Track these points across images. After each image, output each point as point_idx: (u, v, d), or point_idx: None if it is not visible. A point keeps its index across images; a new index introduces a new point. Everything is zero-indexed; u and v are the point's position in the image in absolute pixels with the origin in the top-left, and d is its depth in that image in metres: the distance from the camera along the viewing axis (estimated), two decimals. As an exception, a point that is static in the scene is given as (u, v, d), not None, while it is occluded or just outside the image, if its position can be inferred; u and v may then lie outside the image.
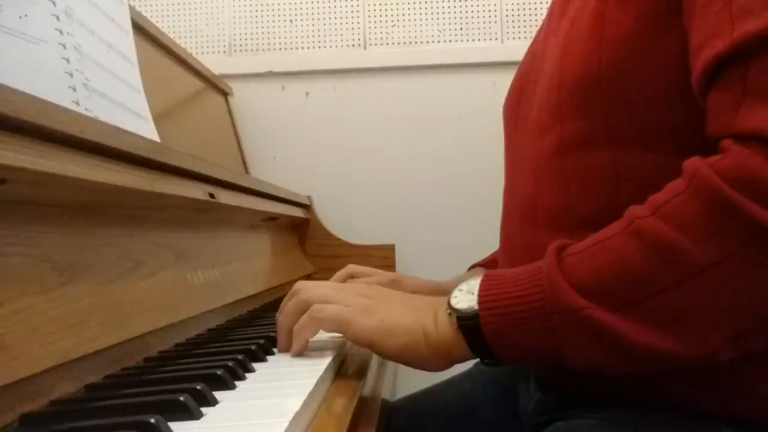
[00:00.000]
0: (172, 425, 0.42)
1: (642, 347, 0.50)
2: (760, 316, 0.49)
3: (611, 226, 0.53)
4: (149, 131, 0.89)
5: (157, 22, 1.47)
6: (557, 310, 0.51)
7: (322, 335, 0.66)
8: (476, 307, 0.55)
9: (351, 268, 0.89)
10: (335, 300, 0.62)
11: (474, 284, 0.57)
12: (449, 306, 0.57)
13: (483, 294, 0.55)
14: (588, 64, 0.61)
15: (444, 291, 0.85)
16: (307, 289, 0.65)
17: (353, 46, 1.79)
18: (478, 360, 0.58)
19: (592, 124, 0.61)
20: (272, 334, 0.71)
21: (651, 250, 0.49)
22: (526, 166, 0.70)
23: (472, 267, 0.97)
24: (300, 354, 0.64)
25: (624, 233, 0.51)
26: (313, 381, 0.52)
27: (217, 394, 0.49)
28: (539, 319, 0.52)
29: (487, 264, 0.96)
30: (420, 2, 1.78)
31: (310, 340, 0.65)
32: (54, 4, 0.73)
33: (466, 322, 0.56)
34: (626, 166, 0.59)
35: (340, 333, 0.61)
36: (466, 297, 0.56)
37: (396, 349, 0.58)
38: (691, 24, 0.54)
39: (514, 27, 1.74)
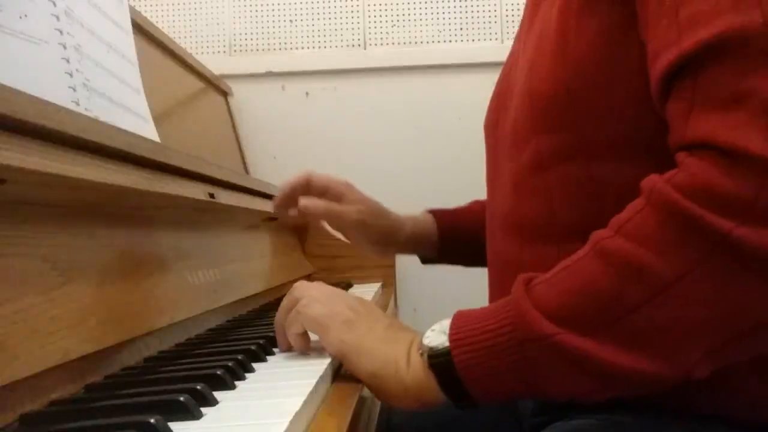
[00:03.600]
0: (172, 425, 0.42)
1: (617, 369, 0.49)
2: (732, 329, 0.48)
3: (578, 252, 0.53)
4: (149, 131, 0.89)
5: (157, 22, 1.47)
6: (529, 338, 0.51)
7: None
8: (447, 344, 0.54)
9: (308, 172, 0.90)
10: (323, 303, 0.62)
11: (446, 323, 0.56)
12: (421, 345, 0.56)
13: (454, 331, 0.54)
14: (555, 80, 0.61)
15: (385, 217, 0.90)
16: (301, 287, 0.65)
17: (353, 46, 1.79)
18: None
19: (566, 138, 0.62)
20: (272, 334, 0.71)
21: (616, 270, 0.49)
22: (507, 179, 0.70)
23: (429, 211, 0.97)
24: (303, 351, 0.64)
25: (589, 256, 0.51)
26: (313, 381, 0.52)
27: (217, 394, 0.49)
28: (512, 350, 0.51)
29: (444, 212, 0.96)
30: (420, 2, 1.78)
31: (310, 340, 0.65)
32: (54, 4, 0.73)
33: (437, 359, 0.54)
34: (604, 176, 0.60)
35: (317, 335, 0.61)
36: (438, 336, 0.55)
37: (366, 373, 0.57)
38: (646, 36, 0.54)
39: (514, 27, 1.74)
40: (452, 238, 0.96)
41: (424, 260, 1.00)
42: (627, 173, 0.58)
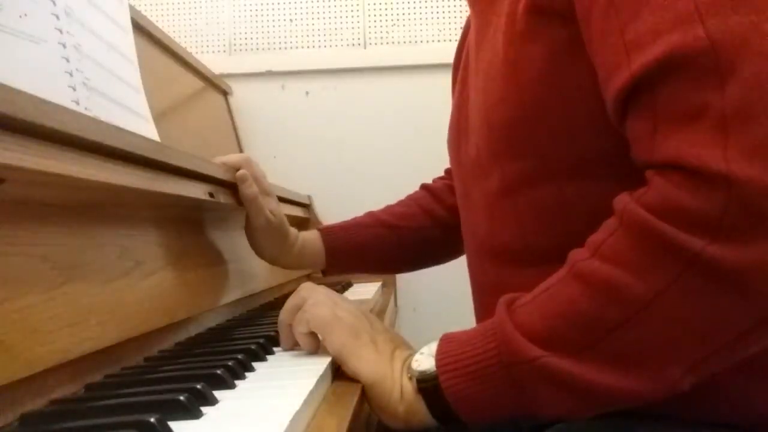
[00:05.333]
0: (172, 425, 0.42)
1: (602, 388, 0.49)
2: (711, 344, 0.48)
3: (556, 273, 0.53)
4: (149, 131, 0.89)
5: (157, 22, 1.47)
6: (514, 362, 0.51)
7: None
8: (435, 369, 0.55)
9: (248, 156, 0.94)
10: (330, 306, 0.62)
11: (434, 346, 0.56)
12: (410, 369, 0.57)
13: (441, 356, 0.55)
14: (509, 109, 0.62)
15: (284, 238, 0.96)
16: (308, 288, 0.66)
17: (353, 45, 1.79)
18: None
19: (529, 163, 0.62)
20: (272, 334, 0.71)
21: (594, 291, 0.50)
22: (477, 204, 0.71)
23: (318, 229, 1.02)
24: (311, 350, 0.64)
25: (567, 277, 0.52)
26: (313, 381, 0.52)
27: (217, 394, 0.49)
28: (498, 374, 0.52)
29: (331, 229, 1.01)
30: (420, 2, 1.78)
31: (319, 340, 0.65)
32: (54, 3, 0.73)
33: (426, 384, 0.55)
34: (571, 197, 0.60)
35: (321, 336, 0.61)
36: (426, 359, 0.56)
37: (363, 381, 0.57)
38: (594, 59, 0.55)
39: (514, 26, 1.74)
40: (338, 254, 1.00)
41: (322, 272, 1.05)
42: (594, 192, 0.58)
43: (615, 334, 0.49)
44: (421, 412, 0.56)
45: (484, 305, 0.73)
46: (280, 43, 1.80)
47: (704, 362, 0.49)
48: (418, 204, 1.04)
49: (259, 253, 0.97)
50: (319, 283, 0.69)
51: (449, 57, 1.86)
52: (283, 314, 0.66)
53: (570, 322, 0.50)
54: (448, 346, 0.55)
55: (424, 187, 1.08)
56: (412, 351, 0.60)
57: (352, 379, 0.59)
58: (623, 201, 0.50)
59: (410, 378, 0.56)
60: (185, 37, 1.78)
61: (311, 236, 1.01)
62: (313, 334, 0.64)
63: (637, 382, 0.49)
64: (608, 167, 0.58)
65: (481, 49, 0.69)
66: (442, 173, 1.11)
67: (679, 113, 0.47)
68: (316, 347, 0.64)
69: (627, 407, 0.52)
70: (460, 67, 0.83)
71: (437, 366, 0.54)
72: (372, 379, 0.57)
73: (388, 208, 1.05)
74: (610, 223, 0.51)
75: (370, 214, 1.04)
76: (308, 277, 1.53)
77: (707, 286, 0.46)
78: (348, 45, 1.79)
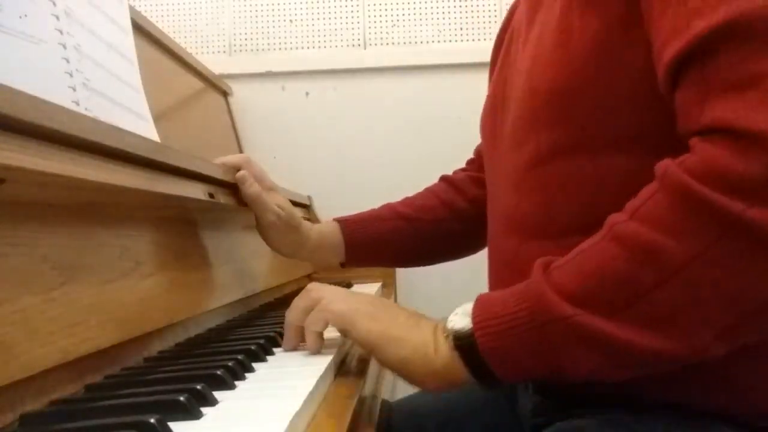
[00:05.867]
0: (172, 425, 0.42)
1: (634, 349, 0.50)
2: (745, 309, 0.49)
3: (593, 236, 0.54)
4: (149, 131, 0.89)
5: (157, 22, 1.47)
6: (548, 320, 0.52)
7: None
8: (471, 326, 0.55)
9: (247, 156, 0.93)
10: (343, 300, 0.63)
11: (468, 307, 0.57)
12: (445, 328, 0.58)
13: (477, 314, 0.56)
14: (556, 75, 0.62)
15: (295, 230, 0.93)
16: (318, 288, 0.66)
17: (353, 46, 1.80)
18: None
19: (566, 133, 0.62)
20: (272, 334, 0.71)
21: (631, 253, 0.50)
22: (507, 179, 0.71)
23: (336, 219, 1.00)
24: (316, 351, 0.64)
25: (605, 240, 0.52)
26: (313, 381, 0.52)
27: (217, 394, 0.49)
28: (533, 333, 0.53)
29: (349, 220, 0.99)
30: (420, 2, 1.78)
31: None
32: (54, 4, 0.73)
33: (462, 342, 0.56)
34: (604, 171, 0.61)
35: (344, 331, 0.62)
36: (462, 319, 0.57)
37: (396, 360, 0.58)
38: (651, 28, 0.55)
39: (514, 27, 1.74)
40: (358, 246, 0.98)
41: (341, 264, 1.02)
42: (626, 169, 0.59)
43: (649, 296, 0.49)
44: (460, 368, 0.56)
45: (500, 280, 0.73)
46: (280, 43, 1.80)
47: (736, 328, 0.50)
48: (437, 196, 1.02)
49: (277, 249, 0.95)
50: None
51: (449, 58, 1.87)
52: (293, 315, 0.66)
53: (605, 282, 0.51)
54: (484, 305, 0.56)
55: (444, 178, 1.05)
56: (434, 320, 0.61)
57: (352, 379, 0.59)
58: (664, 165, 0.51)
59: (446, 337, 0.57)
60: (185, 37, 1.78)
61: (329, 228, 0.99)
62: (321, 335, 0.64)
63: (668, 344, 0.50)
64: (644, 145, 0.58)
65: (533, 23, 0.69)
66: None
67: (733, 81, 0.48)
68: (321, 347, 0.65)
69: (656, 370, 0.52)
70: (501, 48, 0.83)
71: (474, 324, 0.55)
72: (403, 356, 0.58)
73: (407, 200, 1.03)
74: (650, 187, 0.52)
75: (388, 206, 1.02)
76: (309, 278, 1.53)
77: (745, 249, 0.47)
78: (348, 45, 1.79)
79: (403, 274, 1.68)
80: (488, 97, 0.83)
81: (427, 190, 1.05)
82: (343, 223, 0.99)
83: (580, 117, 0.61)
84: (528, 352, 0.53)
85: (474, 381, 0.57)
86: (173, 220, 0.81)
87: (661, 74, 0.54)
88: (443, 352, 0.57)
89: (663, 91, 0.54)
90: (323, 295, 0.64)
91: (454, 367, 0.56)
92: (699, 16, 0.50)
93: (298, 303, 0.66)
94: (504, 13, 1.75)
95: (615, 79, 0.59)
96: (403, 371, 0.58)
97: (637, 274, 0.50)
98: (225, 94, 1.71)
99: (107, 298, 0.60)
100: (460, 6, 1.77)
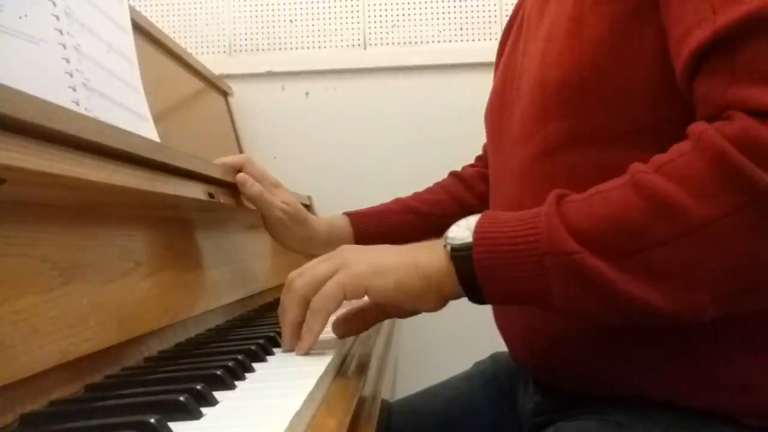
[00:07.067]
0: (172, 425, 0.42)
1: (628, 297, 0.50)
2: (746, 279, 0.49)
3: (613, 180, 0.54)
4: (149, 131, 0.89)
5: (157, 22, 1.47)
6: (550, 252, 0.52)
7: (322, 335, 0.66)
8: (470, 240, 0.55)
9: (248, 157, 0.93)
10: (326, 274, 0.61)
11: (472, 220, 0.57)
12: (445, 238, 0.57)
13: (479, 230, 0.56)
14: (568, 66, 0.62)
15: (303, 224, 0.92)
16: (298, 277, 0.64)
17: (353, 46, 1.79)
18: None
19: (576, 124, 0.62)
20: (272, 334, 0.71)
21: (649, 204, 0.50)
22: (511, 172, 0.70)
23: (346, 213, 1.01)
24: (308, 350, 0.64)
25: (625, 186, 0.52)
26: (313, 381, 0.52)
27: (217, 394, 0.49)
28: (531, 260, 0.52)
29: (360, 214, 1.00)
30: (420, 2, 1.78)
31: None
32: (54, 4, 0.73)
33: (459, 253, 0.56)
34: (611, 163, 0.60)
35: (347, 299, 0.61)
36: (462, 231, 0.56)
37: (390, 288, 0.58)
38: (670, 17, 0.55)
39: (514, 27, 1.74)
40: (368, 238, 0.98)
41: None
42: (633, 160, 0.59)
43: (656, 250, 0.49)
44: (452, 280, 0.56)
45: None
46: (280, 43, 1.80)
47: (733, 297, 0.50)
48: (446, 191, 1.03)
49: (286, 245, 0.95)
50: None
51: (449, 58, 1.87)
52: (285, 313, 0.65)
53: (616, 227, 0.51)
54: (489, 222, 0.56)
55: (453, 174, 1.07)
56: (427, 241, 0.61)
57: (352, 379, 0.59)
58: (701, 127, 0.51)
59: (444, 246, 0.57)
60: (185, 37, 1.78)
61: (339, 222, 0.99)
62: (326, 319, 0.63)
63: (664, 299, 0.50)
64: (653, 139, 0.58)
65: (544, 14, 0.69)
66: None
67: (760, 70, 0.48)
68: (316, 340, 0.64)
69: (642, 323, 0.53)
70: (507, 41, 0.83)
71: (474, 237, 0.55)
72: (394, 280, 0.57)
73: (417, 195, 1.04)
74: (682, 145, 0.51)
75: (398, 201, 1.03)
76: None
77: (763, 223, 0.47)
78: (348, 46, 1.79)
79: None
80: (493, 91, 0.83)
81: (437, 185, 1.06)
82: (354, 216, 1.00)
83: (589, 109, 0.61)
84: (520, 277, 0.53)
85: (463, 294, 0.57)
86: (173, 220, 0.81)
87: (681, 63, 0.53)
88: (438, 259, 0.57)
89: (681, 79, 0.54)
90: (306, 288, 0.62)
91: (446, 276, 0.56)
92: (725, 7, 0.50)
93: (286, 301, 0.64)
94: (504, 13, 1.76)
95: (625, 71, 0.59)
96: (398, 295, 0.58)
97: (649, 226, 0.50)
98: (225, 94, 1.71)
99: (107, 298, 0.60)
100: (460, 6, 1.77)
